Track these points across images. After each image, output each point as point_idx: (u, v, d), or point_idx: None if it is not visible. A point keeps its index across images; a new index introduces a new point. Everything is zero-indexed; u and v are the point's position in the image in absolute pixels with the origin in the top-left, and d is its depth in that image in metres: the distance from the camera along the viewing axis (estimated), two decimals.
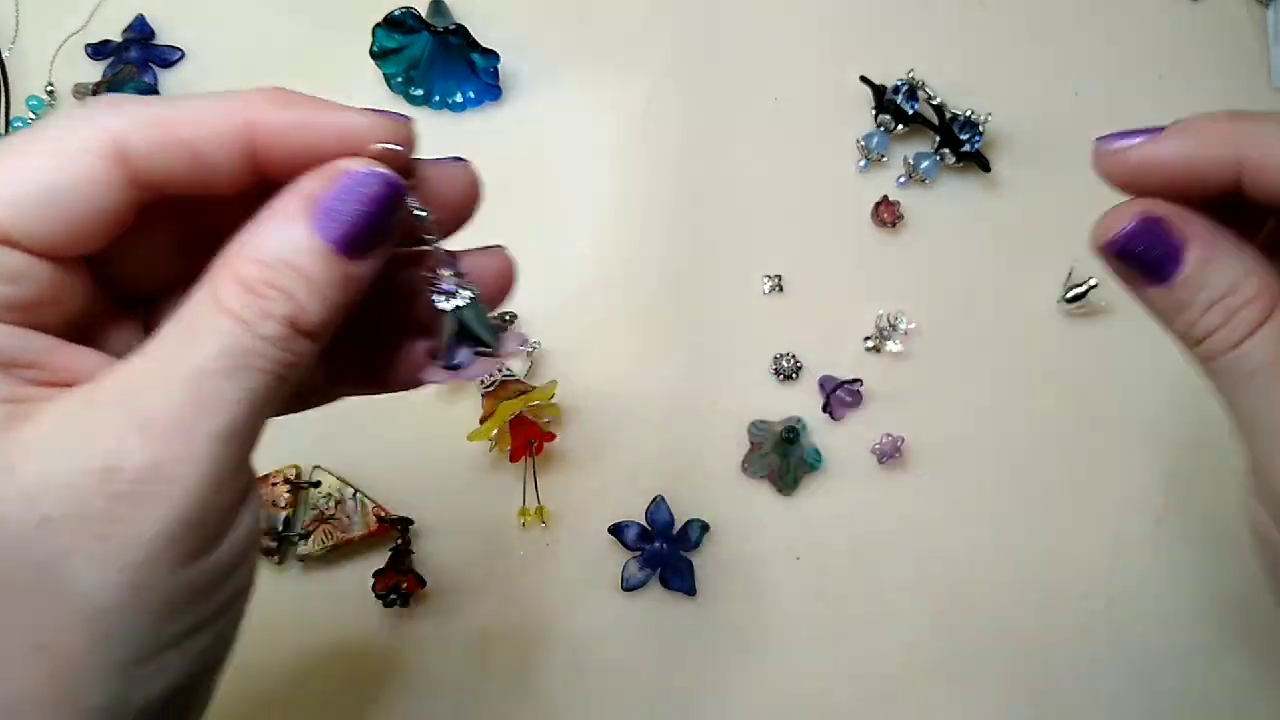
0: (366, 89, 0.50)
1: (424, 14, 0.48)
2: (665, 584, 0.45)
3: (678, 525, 0.45)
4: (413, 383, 0.28)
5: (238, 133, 0.23)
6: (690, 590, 0.45)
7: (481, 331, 0.26)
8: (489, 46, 0.48)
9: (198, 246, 0.24)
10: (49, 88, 0.50)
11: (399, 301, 0.27)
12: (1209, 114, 0.26)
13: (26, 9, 0.52)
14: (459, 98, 0.50)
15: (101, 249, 0.23)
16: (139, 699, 0.22)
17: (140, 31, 0.51)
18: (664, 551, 0.44)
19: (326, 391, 0.29)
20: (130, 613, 0.21)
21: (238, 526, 0.23)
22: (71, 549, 0.20)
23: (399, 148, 0.24)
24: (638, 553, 0.45)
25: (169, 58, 0.51)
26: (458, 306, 0.26)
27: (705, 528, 0.45)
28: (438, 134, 0.50)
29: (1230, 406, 0.27)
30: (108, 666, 0.21)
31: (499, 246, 0.28)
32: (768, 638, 0.44)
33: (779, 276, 0.48)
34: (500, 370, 0.45)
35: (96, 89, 0.49)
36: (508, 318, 0.46)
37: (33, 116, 0.50)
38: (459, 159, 0.27)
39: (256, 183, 0.24)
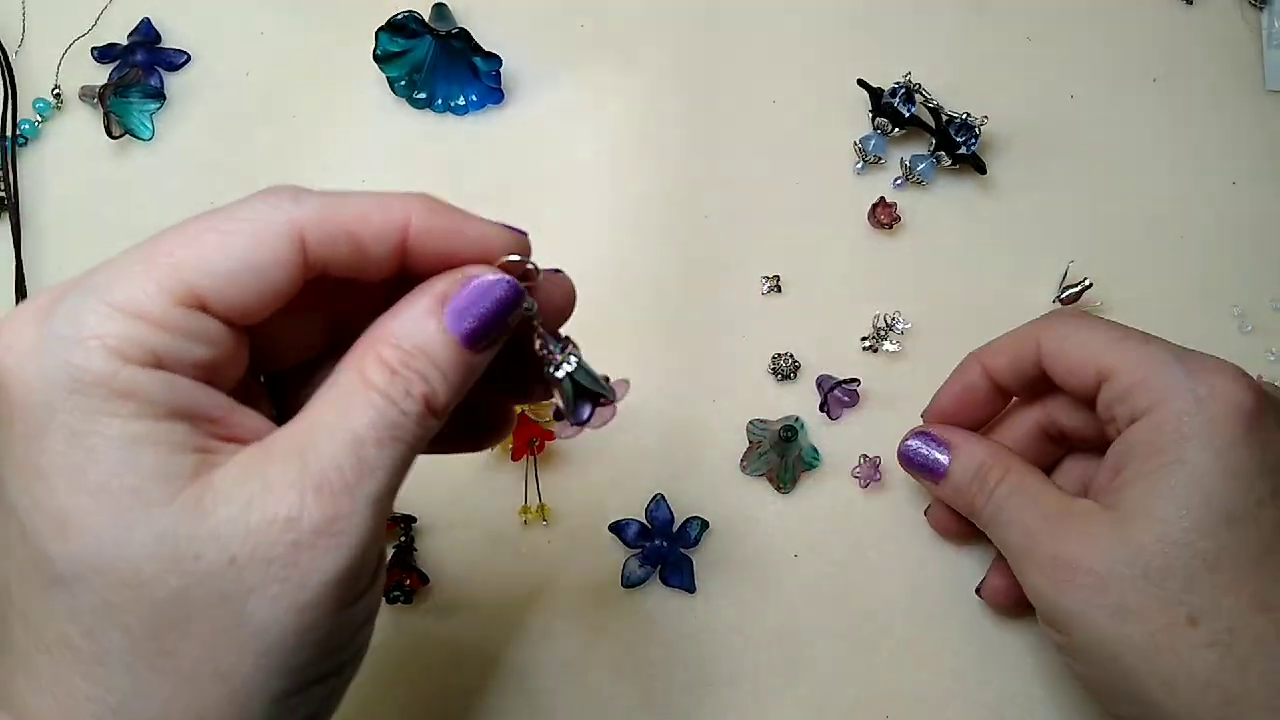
0: (369, 92, 0.51)
1: (426, 17, 0.49)
2: (665, 581, 0.45)
3: (677, 523, 0.45)
4: (480, 448, 0.34)
5: (395, 230, 0.26)
6: (690, 587, 0.45)
7: (596, 386, 0.30)
8: (491, 50, 0.49)
9: (332, 336, 0.29)
10: (55, 91, 0.51)
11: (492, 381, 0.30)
12: None
13: (33, 12, 0.52)
14: (461, 101, 0.51)
15: (267, 320, 0.26)
16: None
17: (146, 35, 0.51)
18: (664, 549, 0.45)
19: None
20: (295, 649, 0.24)
21: (378, 580, 0.26)
22: (254, 588, 0.23)
23: (521, 259, 0.28)
24: (638, 550, 0.45)
25: (175, 61, 0.51)
26: (568, 372, 0.29)
27: (705, 525, 0.45)
28: (440, 137, 0.51)
29: (1001, 547, 0.39)
30: (270, 695, 0.24)
31: (559, 270, 0.31)
32: (766, 635, 0.45)
33: (777, 277, 0.49)
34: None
35: (103, 92, 0.49)
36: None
37: (39, 119, 0.50)
38: (557, 270, 0.31)
39: (398, 273, 0.27)
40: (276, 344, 0.28)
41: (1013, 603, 0.42)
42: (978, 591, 0.44)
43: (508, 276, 0.27)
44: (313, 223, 0.25)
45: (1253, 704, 0.32)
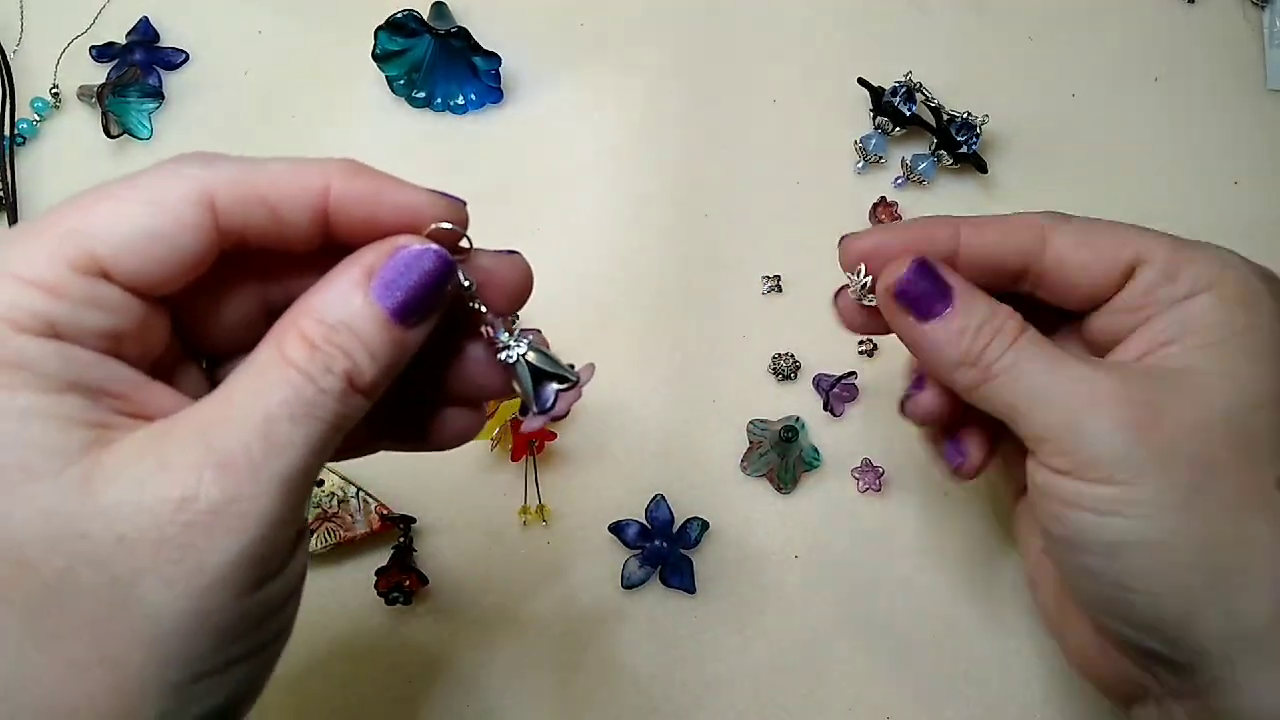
0: (369, 91, 0.51)
1: (426, 16, 0.49)
2: (665, 582, 0.45)
3: (677, 523, 0.45)
4: (449, 444, 0.30)
5: (312, 196, 0.25)
6: (690, 588, 0.45)
7: (554, 369, 0.28)
8: (490, 49, 0.49)
9: (265, 312, 0.27)
10: (54, 90, 0.51)
11: (443, 369, 0.29)
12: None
13: (31, 11, 0.52)
14: (460, 100, 0.51)
15: (180, 290, 0.25)
16: (185, 718, 0.23)
17: (144, 34, 0.51)
18: (664, 549, 0.45)
19: (367, 445, 0.30)
20: (191, 636, 0.22)
21: (291, 566, 0.25)
22: (146, 569, 0.22)
23: (453, 227, 0.26)
24: (638, 551, 0.45)
25: (173, 60, 0.51)
26: (521, 355, 0.27)
27: (705, 526, 0.45)
28: (439, 136, 0.51)
29: (1007, 411, 0.31)
30: (164, 684, 0.23)
31: (515, 252, 0.29)
32: (767, 635, 0.45)
33: (777, 277, 0.49)
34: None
35: (101, 91, 0.49)
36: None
37: (37, 119, 0.50)
38: (513, 251, 0.29)
39: (323, 242, 0.26)
40: (210, 324, 0.27)
41: (937, 417, 0.35)
42: (901, 409, 0.36)
43: (435, 246, 0.25)
44: (224, 187, 0.24)
45: None
